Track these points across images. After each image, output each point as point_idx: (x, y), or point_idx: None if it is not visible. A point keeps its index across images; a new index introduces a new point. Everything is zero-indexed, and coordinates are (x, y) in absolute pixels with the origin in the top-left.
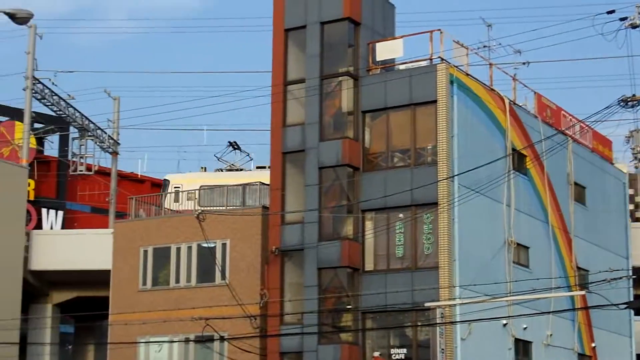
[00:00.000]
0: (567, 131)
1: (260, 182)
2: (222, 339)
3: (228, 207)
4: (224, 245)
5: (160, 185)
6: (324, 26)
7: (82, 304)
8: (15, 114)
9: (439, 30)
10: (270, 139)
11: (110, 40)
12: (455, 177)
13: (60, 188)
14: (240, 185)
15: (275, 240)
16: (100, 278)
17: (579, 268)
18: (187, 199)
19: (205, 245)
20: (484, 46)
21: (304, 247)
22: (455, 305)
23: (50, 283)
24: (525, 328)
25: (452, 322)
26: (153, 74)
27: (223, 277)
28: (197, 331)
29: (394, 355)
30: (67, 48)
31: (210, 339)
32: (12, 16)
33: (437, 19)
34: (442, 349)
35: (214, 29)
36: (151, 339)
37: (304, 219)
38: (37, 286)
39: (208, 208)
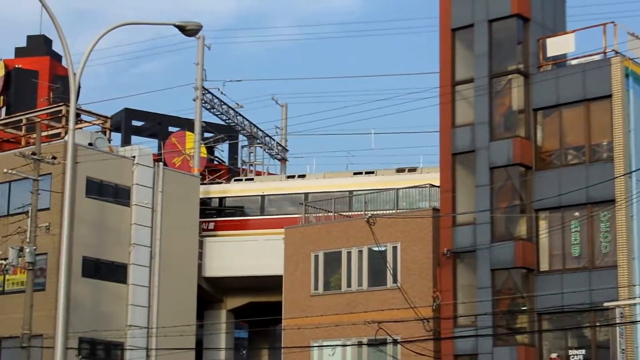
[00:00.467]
0: None
1: (430, 184)
2: (395, 342)
3: (398, 210)
4: (394, 248)
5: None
6: (491, 24)
7: (255, 309)
8: (186, 124)
9: (613, 22)
10: (440, 140)
11: (275, 47)
12: (634, 173)
13: None
14: (409, 187)
15: (447, 242)
16: (272, 283)
17: None
18: None
19: (376, 248)
20: None
21: (476, 249)
22: (635, 304)
23: (223, 289)
24: None
25: (632, 322)
26: (319, 80)
27: (395, 280)
28: (370, 334)
29: (572, 356)
30: (234, 57)
31: (384, 342)
32: (181, 28)
33: (610, 11)
34: (623, 350)
35: (379, 32)
36: (324, 343)
37: (475, 220)
38: (211, 293)
39: (378, 212)
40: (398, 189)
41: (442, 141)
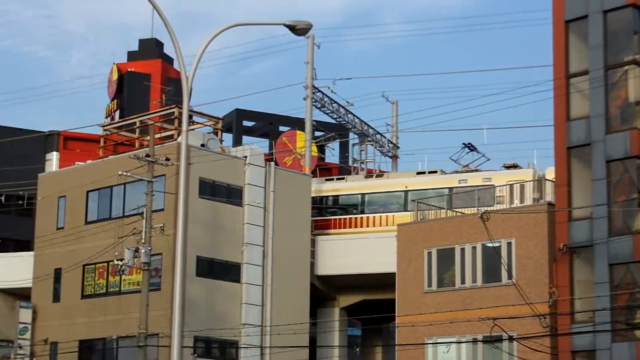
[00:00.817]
0: None
1: (544, 178)
2: (511, 338)
3: (512, 206)
4: (509, 244)
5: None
6: (606, 14)
7: (369, 306)
8: (297, 123)
9: None
10: (554, 134)
11: (385, 44)
12: None
13: None
14: (521, 182)
15: (563, 237)
16: (385, 281)
17: None
18: None
19: (490, 244)
20: None
21: (593, 243)
22: None
23: (336, 287)
24: None
25: None
26: (430, 76)
27: (509, 276)
28: (485, 331)
29: None
30: (343, 55)
31: (499, 339)
32: (292, 28)
33: None
34: None
35: (490, 26)
36: (439, 340)
37: (592, 215)
38: (324, 290)
39: (492, 208)
40: (506, 185)
41: (557, 135)
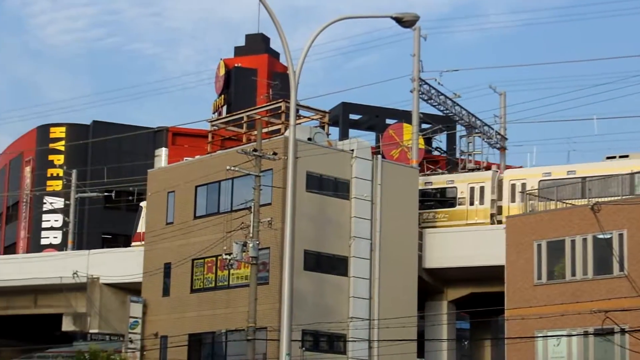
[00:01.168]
0: None
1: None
2: (622, 331)
3: (623, 197)
4: (620, 235)
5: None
6: None
7: (477, 299)
8: (403, 115)
9: None
10: None
11: (491, 35)
12: None
13: None
14: (630, 173)
15: None
16: (494, 273)
17: None
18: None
19: (601, 236)
20: None
21: None
22: None
23: (444, 280)
24: None
25: None
26: (538, 66)
27: (621, 268)
28: (596, 324)
29: None
30: (450, 47)
31: (611, 332)
32: (399, 20)
33: None
34: None
35: (598, 14)
36: (549, 333)
37: None
38: (432, 283)
39: (603, 199)
40: (621, 175)
41: None
